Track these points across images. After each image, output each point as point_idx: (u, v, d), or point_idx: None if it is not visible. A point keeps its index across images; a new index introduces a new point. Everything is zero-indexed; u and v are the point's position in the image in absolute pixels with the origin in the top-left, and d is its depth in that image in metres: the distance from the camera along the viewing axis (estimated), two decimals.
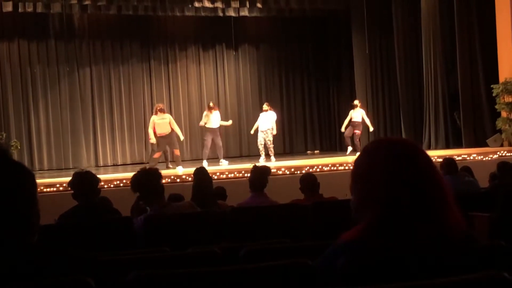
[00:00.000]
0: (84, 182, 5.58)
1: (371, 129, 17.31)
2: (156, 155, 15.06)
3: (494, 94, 15.94)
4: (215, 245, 3.40)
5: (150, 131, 15.12)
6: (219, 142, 16.28)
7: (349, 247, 1.98)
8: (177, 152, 15.25)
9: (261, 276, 2.21)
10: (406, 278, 1.58)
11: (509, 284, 1.49)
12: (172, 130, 15.11)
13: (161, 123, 14.96)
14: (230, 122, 17.08)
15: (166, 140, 15.06)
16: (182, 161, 15.62)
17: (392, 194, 1.97)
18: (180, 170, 14.39)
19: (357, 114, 17.09)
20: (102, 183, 11.41)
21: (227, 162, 16.19)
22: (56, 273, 2.02)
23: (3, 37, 18.22)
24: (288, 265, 2.23)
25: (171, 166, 15.59)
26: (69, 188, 5.67)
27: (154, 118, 15.11)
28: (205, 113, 16.28)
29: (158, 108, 15.24)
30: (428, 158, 2.06)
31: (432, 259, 1.86)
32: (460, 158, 13.45)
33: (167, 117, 15.20)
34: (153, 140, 15.10)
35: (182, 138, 15.73)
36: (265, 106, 16.81)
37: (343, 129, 17.45)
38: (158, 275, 2.14)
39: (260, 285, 1.92)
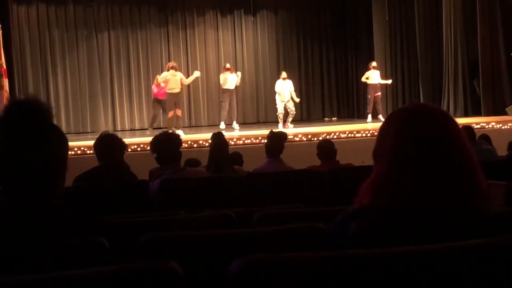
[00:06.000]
0: (106, 144, 5.59)
1: (390, 81, 17.47)
2: (170, 114, 14.98)
3: None
4: (230, 209, 3.39)
5: (162, 78, 15.05)
6: (234, 105, 16.30)
7: (361, 212, 1.98)
8: (179, 112, 15.13)
9: (273, 239, 2.21)
10: (417, 243, 1.57)
11: None
12: (181, 90, 15.10)
13: (172, 79, 14.87)
14: (239, 74, 16.78)
15: (174, 98, 14.97)
16: (198, 126, 15.57)
17: (399, 152, 1.94)
18: (180, 134, 14.27)
19: (375, 75, 17.07)
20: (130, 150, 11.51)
21: (238, 126, 16.19)
22: (71, 235, 2.04)
23: (22, 1, 18.20)
24: (300, 229, 2.23)
25: (148, 133, 15.34)
26: (94, 148, 5.68)
27: (166, 74, 15.06)
28: (221, 75, 16.29)
29: (171, 65, 15.17)
30: (452, 125, 1.99)
31: (445, 225, 1.84)
32: (478, 126, 13.35)
33: (178, 74, 15.15)
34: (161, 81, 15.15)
35: (198, 74, 15.92)
36: (284, 74, 16.77)
37: (363, 79, 17.53)
38: (170, 236, 2.14)
39: (273, 248, 1.91)
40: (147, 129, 16.41)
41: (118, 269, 1.37)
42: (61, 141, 2.17)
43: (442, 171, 1.90)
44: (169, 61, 19.16)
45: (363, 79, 17.37)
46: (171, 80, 14.81)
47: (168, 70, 15.02)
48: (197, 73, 16.02)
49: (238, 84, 16.39)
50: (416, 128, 1.95)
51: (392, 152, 1.97)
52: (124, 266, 1.37)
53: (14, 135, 2.08)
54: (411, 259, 1.45)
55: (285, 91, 16.54)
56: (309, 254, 1.40)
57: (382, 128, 2.07)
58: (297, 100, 16.97)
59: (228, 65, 16.48)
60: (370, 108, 17.32)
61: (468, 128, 8.25)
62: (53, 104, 18.46)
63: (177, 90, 14.84)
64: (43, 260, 1.82)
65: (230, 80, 16.02)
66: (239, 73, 16.51)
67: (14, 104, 2.18)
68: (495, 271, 1.49)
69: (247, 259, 1.35)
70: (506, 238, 1.50)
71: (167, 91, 14.85)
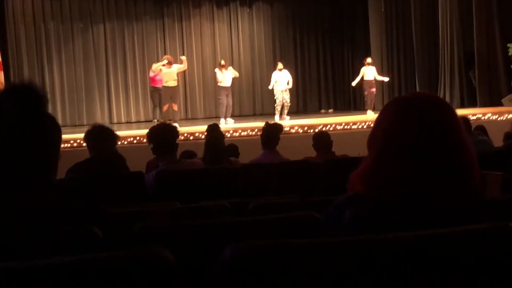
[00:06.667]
0: (98, 135, 5.59)
1: (387, 79, 17.38)
2: (165, 107, 14.99)
3: (510, 53, 15.77)
4: (226, 200, 3.39)
5: (157, 66, 15.05)
6: (230, 101, 16.27)
7: (354, 200, 1.97)
8: (175, 107, 15.16)
9: (267, 228, 2.21)
10: (409, 230, 1.56)
11: None
12: (178, 84, 15.09)
13: (168, 72, 14.86)
14: (236, 74, 16.84)
15: (170, 92, 14.95)
16: (194, 119, 15.58)
17: (391, 142, 1.93)
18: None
19: (370, 72, 17.05)
20: (123, 141, 11.52)
21: (233, 120, 16.19)
22: (63, 224, 2.02)
23: None
24: (294, 218, 2.23)
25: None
26: (84, 140, 5.70)
27: (160, 64, 15.04)
28: (216, 70, 16.26)
29: (166, 59, 15.19)
30: (448, 115, 1.95)
31: (437, 215, 1.83)
32: (474, 117, 13.36)
33: (173, 67, 15.13)
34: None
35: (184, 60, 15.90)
36: (280, 65, 16.75)
37: (353, 84, 17.51)
38: (164, 225, 2.14)
39: (266, 237, 1.91)
40: (151, 121, 16.33)
41: (107, 256, 1.36)
42: (54, 129, 2.15)
43: (434, 161, 1.88)
44: (165, 53, 19.13)
45: (358, 78, 17.29)
46: (167, 73, 14.79)
47: (163, 64, 15.01)
48: (182, 57, 16.10)
49: (236, 76, 16.37)
50: (410, 117, 1.92)
51: (384, 141, 1.95)
52: (114, 253, 1.37)
53: (5, 122, 2.05)
54: (404, 245, 1.45)
55: (281, 81, 16.51)
56: (301, 240, 1.40)
57: (377, 117, 2.06)
58: (289, 86, 16.81)
59: (223, 62, 16.45)
60: (367, 104, 17.31)
61: (464, 119, 8.23)
62: (49, 96, 18.40)
63: (173, 83, 14.83)
64: (34, 249, 1.81)
65: (226, 77, 16.00)
66: (230, 68, 16.45)
67: (8, 90, 2.15)
68: (486, 256, 1.49)
69: (239, 246, 1.35)
70: (496, 224, 1.50)
71: (163, 85, 14.84)
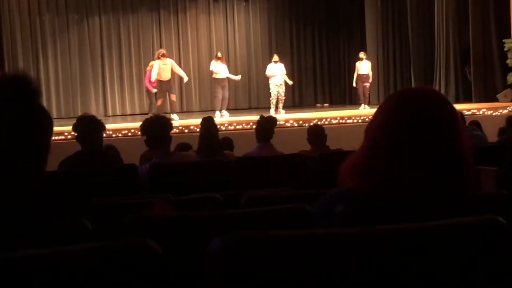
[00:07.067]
0: (88, 126, 5.57)
1: (370, 80, 17.26)
2: (159, 101, 14.95)
3: (505, 49, 15.79)
4: (218, 193, 3.38)
5: (154, 74, 14.86)
6: (226, 94, 16.24)
7: (346, 194, 1.96)
8: (173, 97, 15.15)
9: (258, 220, 2.20)
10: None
11: (503, 228, 1.47)
12: (172, 76, 15.04)
13: (164, 68, 14.83)
14: (239, 77, 16.96)
15: (167, 86, 14.93)
16: (190, 112, 15.57)
17: (382, 137, 1.91)
18: (175, 118, 14.27)
19: (363, 66, 17.04)
20: (110, 132, 11.51)
21: (228, 114, 16.17)
22: (52, 216, 2.01)
23: None
24: (286, 210, 2.22)
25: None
26: (72, 132, 5.69)
27: (159, 63, 14.95)
28: (212, 62, 16.24)
29: (161, 53, 15.09)
30: (445, 112, 1.94)
31: (429, 207, 1.83)
32: (469, 112, 13.37)
33: (169, 62, 15.07)
34: (155, 89, 15.03)
35: (186, 79, 15.78)
36: (275, 57, 16.72)
37: (354, 84, 17.46)
38: (153, 217, 2.13)
39: (257, 229, 1.90)
40: (146, 113, 16.28)
41: (93, 247, 1.36)
42: (46, 121, 2.13)
43: (430, 155, 1.86)
44: (161, 46, 19.08)
45: (356, 75, 17.27)
46: (164, 69, 14.74)
47: (158, 58, 14.93)
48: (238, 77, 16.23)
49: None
50: (407, 111, 1.91)
51: (379, 133, 1.94)
52: (100, 244, 1.36)
53: None
54: (394, 237, 1.44)
55: (276, 74, 16.50)
56: (288, 232, 1.39)
57: (376, 110, 2.05)
58: (290, 82, 16.96)
59: (219, 54, 16.43)
60: (361, 98, 17.30)
61: (459, 114, 8.24)
62: (43, 89, 18.38)
63: (168, 77, 14.79)
64: (23, 241, 1.80)
65: (222, 69, 15.97)
66: (239, 75, 16.52)
67: (1, 81, 2.14)
68: (476, 249, 1.49)
69: (227, 237, 1.34)
70: (482, 217, 1.50)
71: (159, 81, 14.75)
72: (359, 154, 1.99)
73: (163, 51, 15.34)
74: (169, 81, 14.88)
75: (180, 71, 15.40)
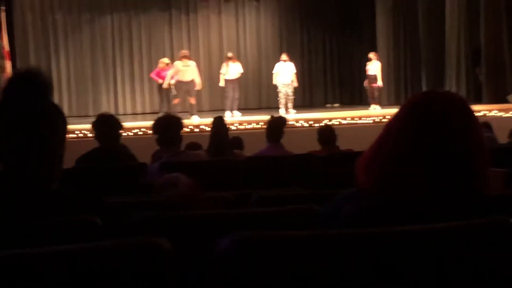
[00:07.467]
0: (106, 124, 5.63)
1: (379, 83, 17.15)
2: (175, 101, 15.00)
3: None
4: (228, 192, 3.39)
5: (169, 73, 14.94)
6: (236, 94, 16.23)
7: (355, 194, 1.96)
8: (192, 100, 15.19)
9: (267, 220, 2.22)
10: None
11: None
12: (193, 78, 15.04)
13: (185, 69, 14.84)
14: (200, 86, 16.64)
15: (186, 86, 14.96)
16: (200, 111, 15.60)
17: (401, 140, 1.91)
18: (195, 120, 14.35)
19: (373, 67, 17.00)
20: (128, 133, 11.55)
21: (240, 114, 16.15)
22: (63, 214, 2.02)
23: None
24: (294, 210, 2.23)
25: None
26: (92, 128, 5.74)
27: (178, 64, 14.96)
28: (224, 65, 16.22)
29: (183, 54, 15.14)
30: (466, 116, 1.93)
31: (440, 210, 1.83)
32: (480, 114, 13.31)
33: (192, 64, 15.08)
34: (166, 84, 15.03)
35: (199, 87, 15.67)
36: (284, 56, 16.66)
37: (365, 84, 17.42)
38: (163, 216, 2.14)
39: (266, 229, 1.91)
40: (157, 112, 16.31)
41: (103, 245, 1.37)
42: (59, 118, 2.13)
43: (440, 163, 1.86)
44: (172, 45, 19.14)
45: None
46: (184, 70, 14.75)
47: (180, 60, 14.96)
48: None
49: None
50: (420, 117, 1.90)
51: (396, 139, 1.93)
52: (110, 242, 1.37)
53: (11, 110, 2.04)
54: (400, 239, 1.45)
55: (284, 73, 16.41)
56: (296, 232, 1.40)
57: (396, 113, 2.04)
58: (295, 84, 16.70)
59: (230, 54, 16.38)
60: (370, 99, 17.27)
61: None
62: (55, 87, 18.45)
63: (189, 78, 14.83)
64: (35, 238, 1.82)
65: (232, 70, 15.96)
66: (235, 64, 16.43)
67: (15, 77, 2.14)
68: (487, 250, 1.49)
69: (235, 237, 1.35)
70: (494, 219, 1.50)
71: (178, 81, 14.81)
72: (370, 152, 1.99)
73: (185, 52, 15.38)
74: (189, 82, 14.91)
75: (196, 76, 15.32)
